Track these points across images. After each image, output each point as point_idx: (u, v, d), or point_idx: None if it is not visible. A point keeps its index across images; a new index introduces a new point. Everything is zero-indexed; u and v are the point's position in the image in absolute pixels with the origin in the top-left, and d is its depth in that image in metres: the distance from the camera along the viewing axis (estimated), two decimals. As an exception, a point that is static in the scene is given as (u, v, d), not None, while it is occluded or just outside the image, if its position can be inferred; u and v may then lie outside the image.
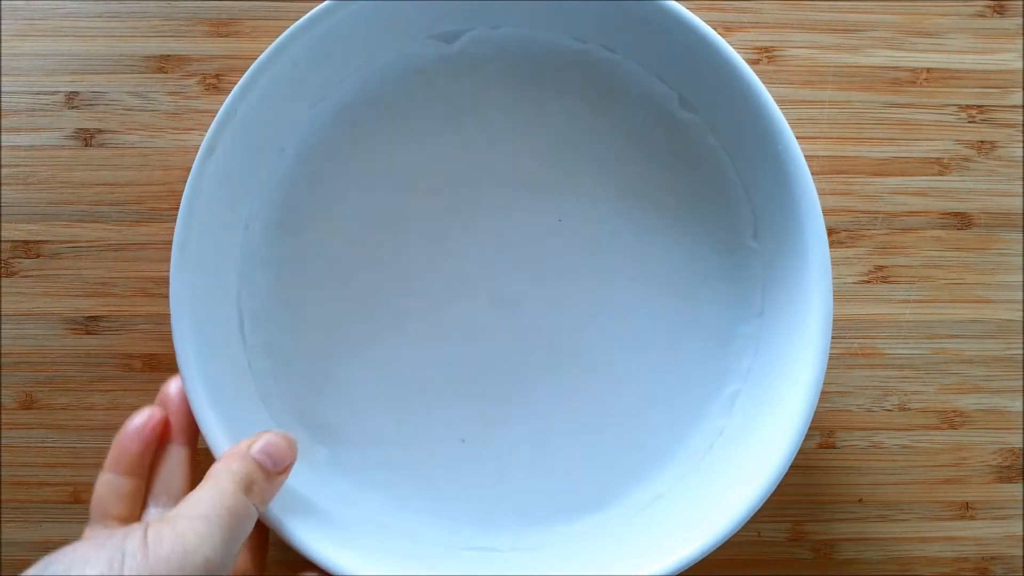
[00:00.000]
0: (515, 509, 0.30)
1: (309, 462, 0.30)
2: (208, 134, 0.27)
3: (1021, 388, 0.33)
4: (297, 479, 0.28)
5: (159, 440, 0.27)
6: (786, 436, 0.27)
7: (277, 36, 0.27)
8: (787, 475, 0.27)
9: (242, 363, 0.30)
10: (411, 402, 0.30)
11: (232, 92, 0.27)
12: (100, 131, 0.32)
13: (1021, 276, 0.34)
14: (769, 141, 0.28)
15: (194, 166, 0.27)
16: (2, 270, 0.32)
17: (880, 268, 0.34)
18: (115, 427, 0.32)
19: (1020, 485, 0.33)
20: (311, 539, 0.26)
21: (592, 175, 0.31)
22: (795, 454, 0.27)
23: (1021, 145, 0.34)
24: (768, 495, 0.26)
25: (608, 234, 0.31)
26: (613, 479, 0.30)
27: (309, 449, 0.30)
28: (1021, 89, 0.34)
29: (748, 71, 0.27)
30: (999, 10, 0.34)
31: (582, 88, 0.31)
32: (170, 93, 0.32)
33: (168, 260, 0.27)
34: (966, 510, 0.33)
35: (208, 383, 0.27)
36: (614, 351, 0.31)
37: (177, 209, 0.27)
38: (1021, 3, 0.34)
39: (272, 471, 0.25)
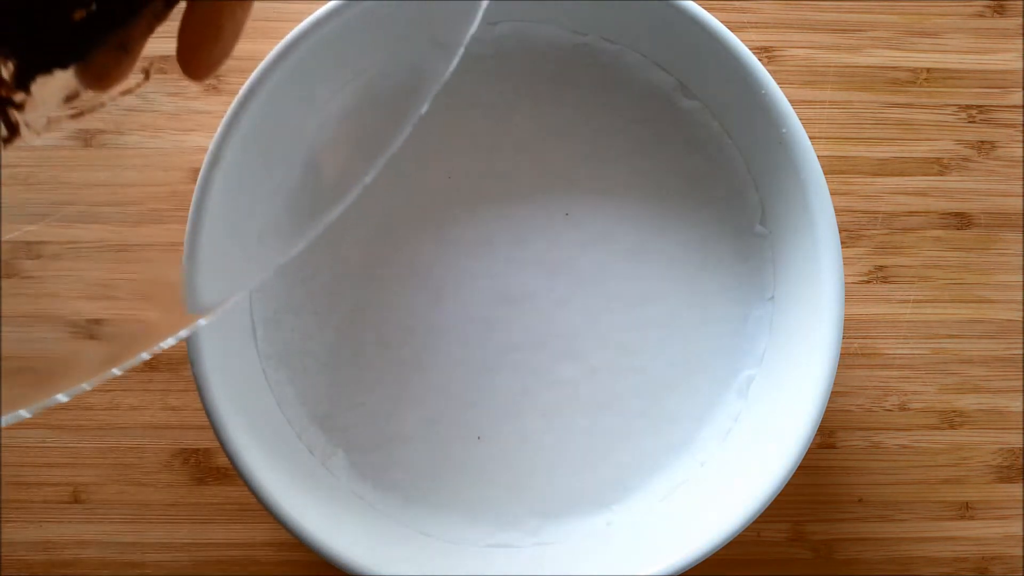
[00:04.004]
0: (534, 504, 0.30)
1: (327, 465, 0.30)
2: (212, 144, 0.27)
3: (1021, 388, 0.33)
4: (316, 482, 0.29)
5: None
6: (803, 416, 0.27)
7: (277, 37, 0.27)
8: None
9: (257, 371, 0.30)
10: (426, 402, 0.30)
11: (235, 100, 0.27)
12: (100, 131, 0.32)
13: (1021, 276, 0.34)
14: (773, 124, 0.28)
15: (200, 177, 0.27)
16: (2, 270, 0.32)
17: (880, 268, 0.34)
18: (115, 427, 0.32)
19: (1020, 485, 0.33)
20: (330, 540, 0.27)
21: (597, 167, 0.31)
22: (812, 437, 0.27)
23: (1021, 145, 0.34)
24: (786, 480, 0.27)
25: (615, 226, 0.31)
26: (632, 470, 0.30)
27: (327, 452, 0.30)
28: (1021, 89, 0.34)
29: (749, 56, 0.28)
30: (999, 10, 0.34)
31: (583, 80, 0.31)
32: (170, 93, 0.32)
33: (169, 261, 0.27)
34: (966, 510, 0.33)
35: (224, 392, 0.27)
36: (627, 342, 0.31)
37: (178, 210, 0.27)
38: (1021, 3, 0.34)
39: None
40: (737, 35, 0.28)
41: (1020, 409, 0.33)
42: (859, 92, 0.34)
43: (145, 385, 0.32)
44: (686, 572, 0.27)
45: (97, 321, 0.27)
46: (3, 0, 0.17)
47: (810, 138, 0.28)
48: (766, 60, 0.33)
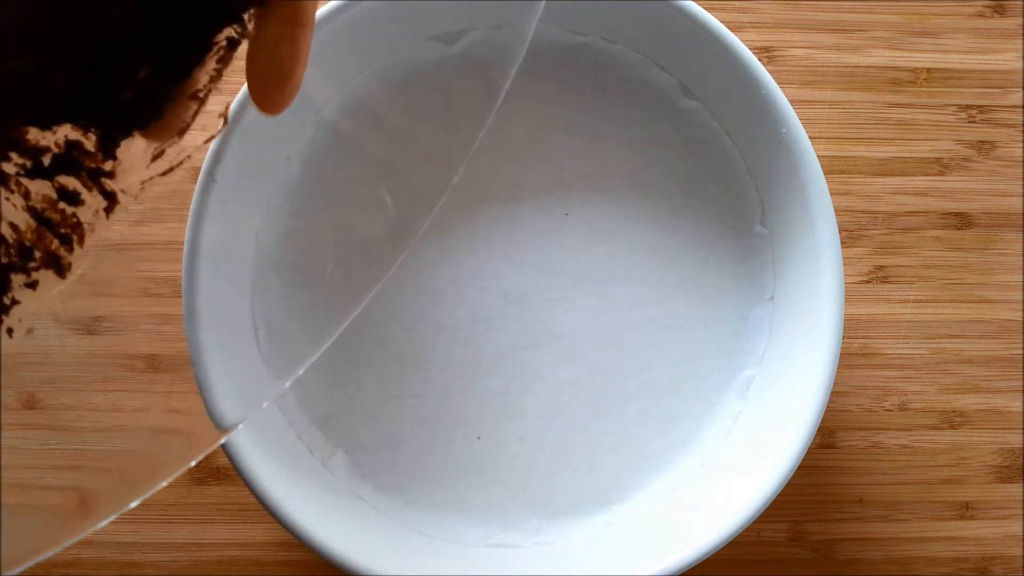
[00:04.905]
0: (535, 504, 0.30)
1: (327, 465, 0.30)
2: (212, 145, 0.27)
3: (1021, 388, 0.33)
4: (316, 482, 0.29)
5: None
6: (803, 416, 0.27)
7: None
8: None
9: (259, 370, 0.30)
10: (426, 402, 0.30)
11: (234, 100, 0.27)
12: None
13: (1021, 276, 0.34)
14: (773, 124, 0.28)
15: (199, 179, 0.27)
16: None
17: (880, 268, 0.34)
18: (117, 428, 0.32)
19: (1020, 485, 0.33)
20: (330, 540, 0.27)
21: (597, 168, 0.31)
22: (812, 437, 0.27)
23: (1021, 145, 0.34)
24: (786, 480, 0.27)
25: (615, 226, 0.31)
26: (632, 470, 0.30)
27: (327, 453, 0.30)
28: (1021, 89, 0.34)
29: (750, 56, 0.28)
30: (999, 10, 0.34)
31: (583, 81, 0.31)
32: (171, 93, 0.32)
33: (170, 260, 0.27)
34: (966, 510, 0.33)
35: (226, 394, 0.27)
36: (626, 342, 0.31)
37: (178, 209, 0.27)
38: (1021, 3, 0.34)
39: None
40: (737, 35, 0.28)
41: (1020, 409, 0.33)
42: (859, 92, 0.34)
43: (147, 386, 0.32)
44: (686, 572, 0.27)
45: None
46: (70, 71, 0.17)
47: (810, 138, 0.28)
48: (766, 60, 0.33)
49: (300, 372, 0.22)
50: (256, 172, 0.29)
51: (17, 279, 0.20)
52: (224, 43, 0.19)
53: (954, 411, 0.33)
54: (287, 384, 0.27)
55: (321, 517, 0.27)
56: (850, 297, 0.33)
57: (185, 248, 0.27)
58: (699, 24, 0.28)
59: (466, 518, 0.30)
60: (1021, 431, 0.33)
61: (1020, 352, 0.33)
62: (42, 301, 0.21)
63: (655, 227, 0.31)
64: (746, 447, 0.29)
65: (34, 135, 0.19)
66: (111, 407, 0.32)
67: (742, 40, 0.28)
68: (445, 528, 0.30)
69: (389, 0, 0.28)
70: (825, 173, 0.28)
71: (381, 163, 0.31)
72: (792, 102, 0.28)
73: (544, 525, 0.30)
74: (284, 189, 0.30)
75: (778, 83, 0.28)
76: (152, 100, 0.19)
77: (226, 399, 0.27)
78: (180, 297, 0.31)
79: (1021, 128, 0.34)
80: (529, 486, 0.30)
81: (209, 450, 0.21)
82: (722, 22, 0.28)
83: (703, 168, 0.31)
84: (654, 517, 0.30)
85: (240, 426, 0.27)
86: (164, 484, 0.20)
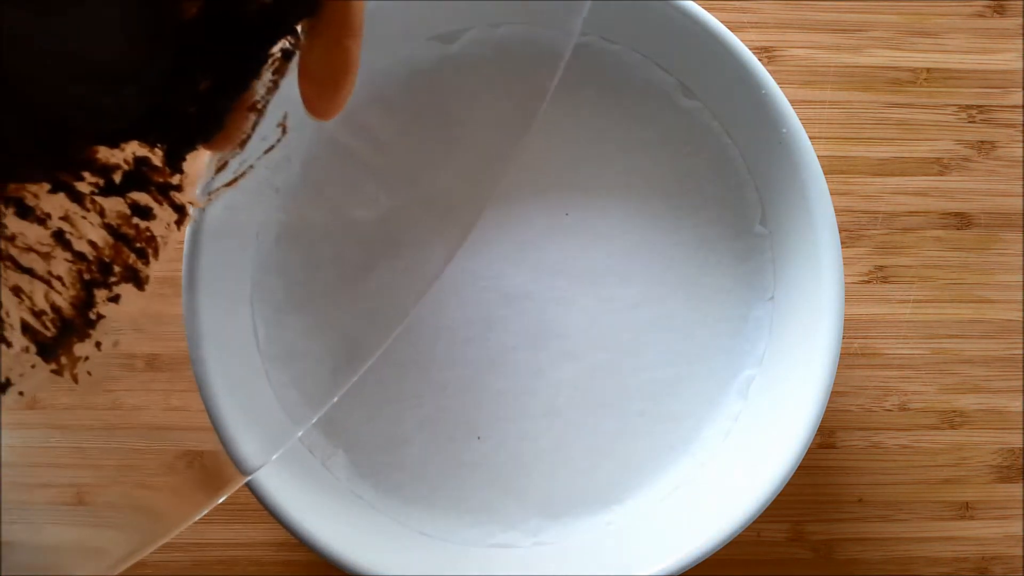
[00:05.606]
0: (535, 504, 0.30)
1: (327, 465, 0.30)
2: None
3: (1021, 388, 0.33)
4: (316, 482, 0.29)
5: None
6: (803, 416, 0.27)
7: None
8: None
9: (259, 372, 0.30)
10: (426, 402, 0.30)
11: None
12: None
13: (1021, 276, 0.34)
14: (773, 124, 0.28)
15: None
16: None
17: (880, 268, 0.34)
18: (117, 427, 0.32)
19: (1020, 485, 0.33)
20: (330, 540, 0.27)
21: (597, 168, 0.31)
22: (812, 437, 0.27)
23: (1021, 145, 0.34)
24: (786, 480, 0.27)
25: (615, 226, 0.31)
26: (632, 470, 0.30)
27: (327, 452, 0.30)
28: (1021, 89, 0.34)
29: (750, 56, 0.28)
30: (999, 10, 0.34)
31: (583, 81, 0.31)
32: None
33: (169, 259, 0.27)
34: (966, 510, 0.33)
35: (226, 392, 0.27)
36: (627, 342, 0.31)
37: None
38: (1021, 3, 0.34)
39: None
40: (737, 35, 0.28)
41: (1020, 409, 0.33)
42: (859, 92, 0.34)
43: (147, 385, 0.32)
44: (686, 572, 0.27)
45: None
46: (129, 86, 0.17)
47: (810, 138, 0.28)
48: (766, 60, 0.33)
49: (322, 410, 0.23)
50: (256, 172, 0.29)
51: (100, 294, 0.21)
52: (279, 54, 0.20)
53: (954, 411, 0.33)
54: (310, 423, 0.28)
55: (321, 517, 0.27)
56: (850, 297, 0.33)
57: (185, 248, 0.27)
58: (699, 24, 0.28)
59: (466, 518, 0.30)
60: (1021, 431, 0.33)
61: (1020, 352, 0.34)
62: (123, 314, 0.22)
63: (655, 227, 0.31)
64: (746, 447, 0.29)
65: (104, 154, 0.19)
66: (110, 405, 0.32)
67: (742, 40, 0.28)
68: (445, 528, 0.30)
69: (389, 0, 0.28)
70: (825, 173, 0.28)
71: (381, 163, 0.31)
72: (792, 102, 0.28)
73: (544, 525, 0.30)
74: (284, 189, 0.30)
75: (778, 83, 0.28)
76: (213, 113, 0.19)
77: (227, 397, 0.27)
78: (180, 297, 0.31)
79: (1021, 128, 0.34)
80: (529, 486, 0.30)
81: (232, 489, 0.22)
82: (722, 22, 0.28)
83: (703, 168, 0.31)
84: (654, 517, 0.30)
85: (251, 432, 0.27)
86: (189, 524, 0.21)
